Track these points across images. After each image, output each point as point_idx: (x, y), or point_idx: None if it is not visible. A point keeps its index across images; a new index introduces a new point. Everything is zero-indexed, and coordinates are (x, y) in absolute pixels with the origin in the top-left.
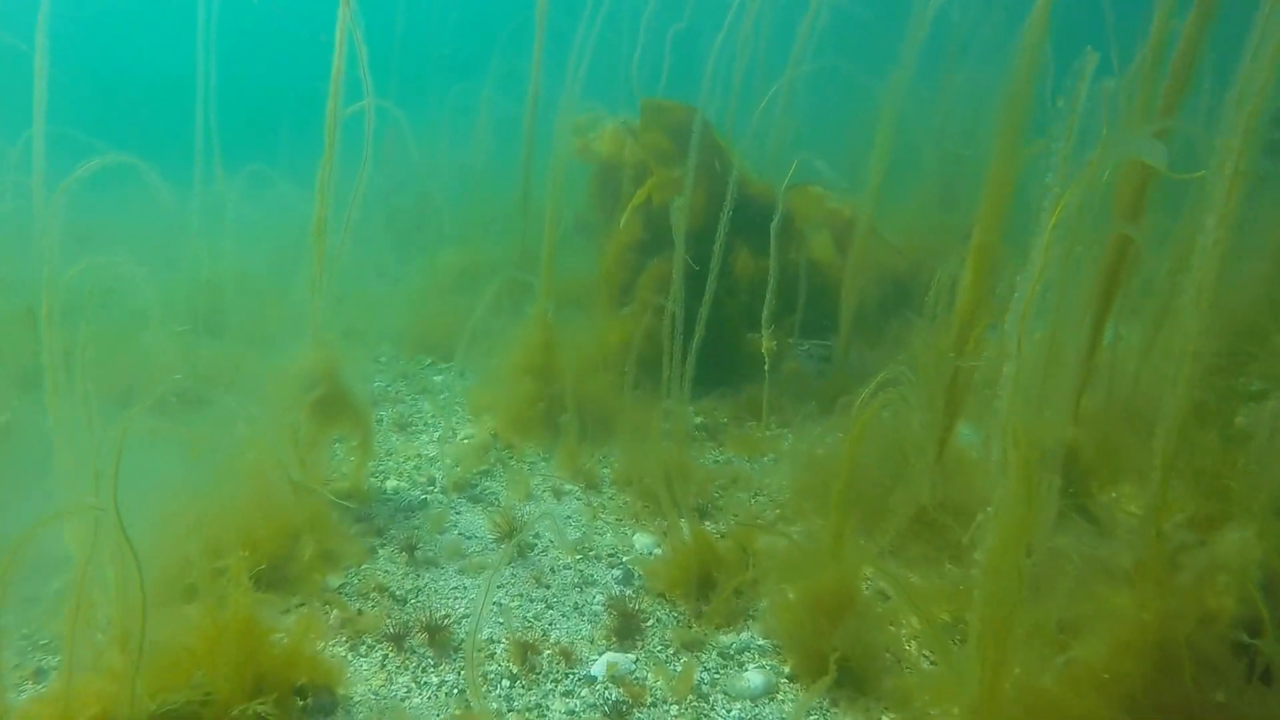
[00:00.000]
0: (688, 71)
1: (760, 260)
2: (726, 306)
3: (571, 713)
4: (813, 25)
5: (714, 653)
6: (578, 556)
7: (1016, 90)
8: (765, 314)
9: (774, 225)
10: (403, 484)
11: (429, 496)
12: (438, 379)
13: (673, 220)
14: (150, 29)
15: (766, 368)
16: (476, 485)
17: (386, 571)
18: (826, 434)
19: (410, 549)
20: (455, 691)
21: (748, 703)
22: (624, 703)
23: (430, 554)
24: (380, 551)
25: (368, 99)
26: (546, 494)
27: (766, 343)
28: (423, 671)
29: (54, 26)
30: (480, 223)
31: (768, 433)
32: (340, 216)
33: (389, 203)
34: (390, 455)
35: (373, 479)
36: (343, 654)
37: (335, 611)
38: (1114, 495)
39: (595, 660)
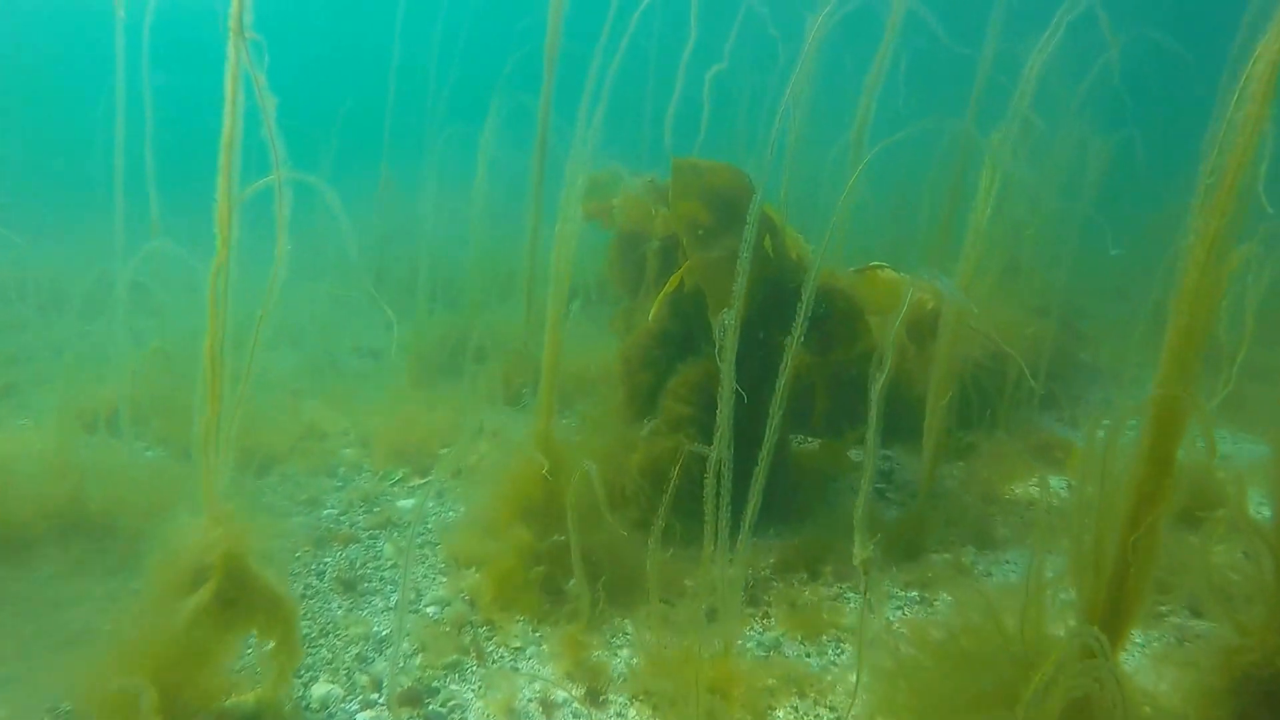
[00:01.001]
0: (726, 121)
1: (816, 357)
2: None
3: None
4: (884, 68)
5: None
6: None
7: (1223, 185)
8: (859, 503)
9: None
10: (336, 688)
11: (372, 715)
12: (407, 504)
13: (716, 337)
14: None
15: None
16: (438, 692)
17: None
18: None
19: None
20: None
21: None
22: None
23: None
24: None
25: (276, 171)
26: (533, 706)
27: (859, 553)
28: None
29: None
30: (477, 284)
31: (825, 592)
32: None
33: (382, 254)
34: (326, 636)
35: (296, 679)
36: None
37: None
38: None
39: None
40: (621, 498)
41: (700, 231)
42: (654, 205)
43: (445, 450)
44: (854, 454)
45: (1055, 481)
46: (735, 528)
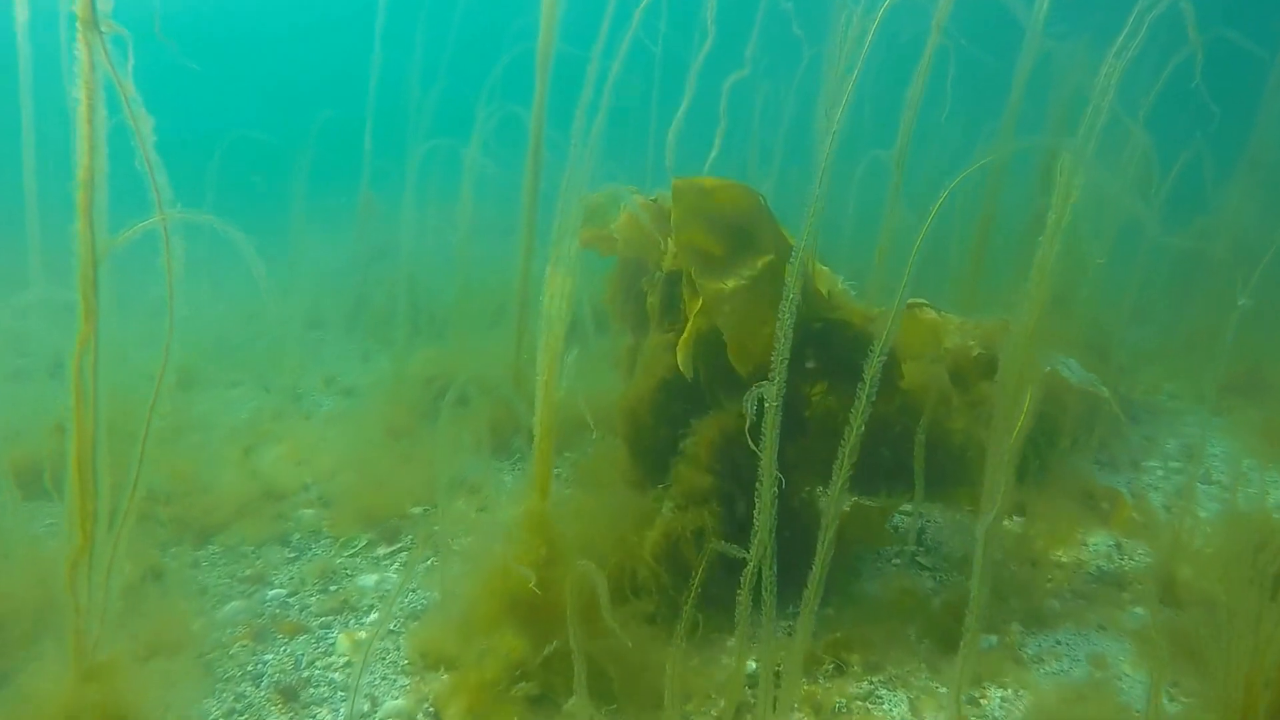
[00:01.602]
0: (742, 134)
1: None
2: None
3: None
4: (930, 76)
5: None
6: None
7: None
8: None
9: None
10: None
11: None
12: (369, 581)
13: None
14: None
15: None
16: None
17: None
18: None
19: None
20: None
21: None
22: None
23: None
24: None
25: (159, 213)
26: None
27: None
28: None
29: None
30: (463, 313)
31: (853, 689)
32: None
33: (365, 277)
34: None
35: None
36: None
37: None
38: None
39: None
40: (632, 585)
41: (709, 263)
42: (657, 232)
43: (419, 509)
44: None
45: (1098, 539)
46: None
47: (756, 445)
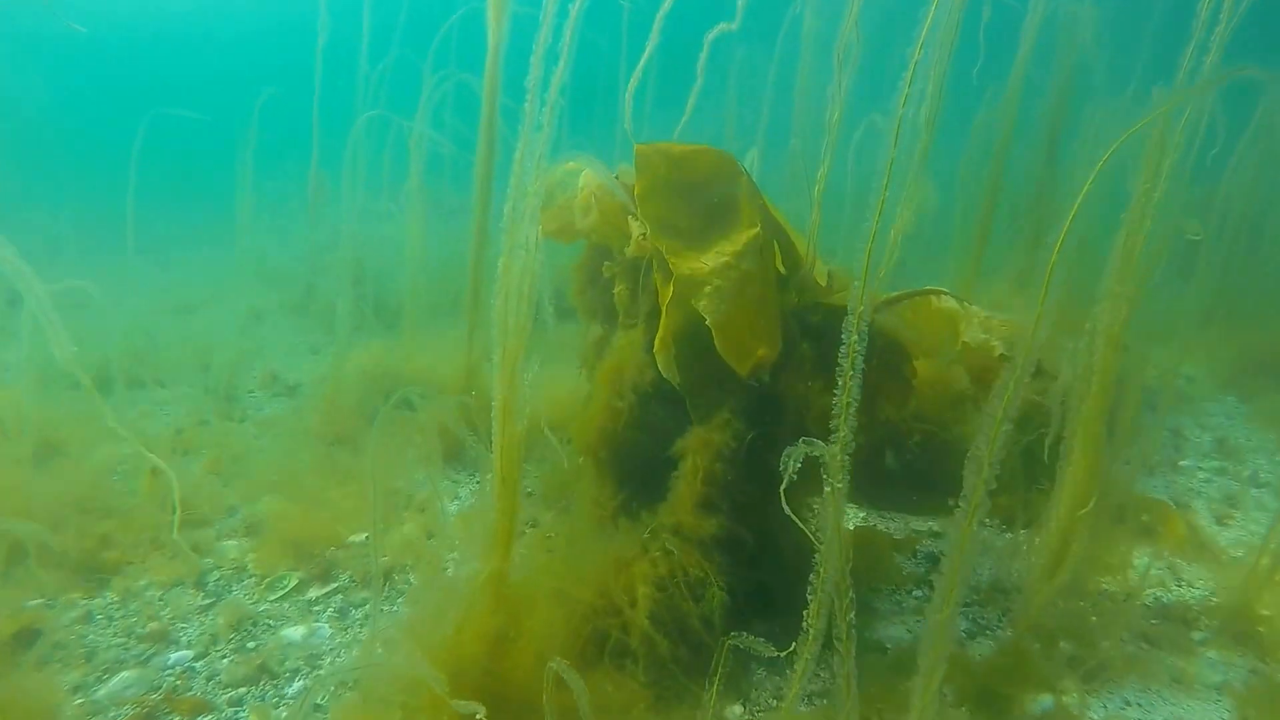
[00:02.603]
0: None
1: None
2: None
3: None
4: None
5: None
6: None
7: None
8: None
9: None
10: None
11: None
12: (296, 635)
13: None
14: None
15: None
16: None
17: None
18: None
19: None
20: None
21: None
22: None
23: None
24: None
25: None
26: None
27: None
28: None
29: None
30: (414, 302)
31: None
32: None
33: (314, 266)
34: None
35: None
36: None
37: None
38: None
39: None
40: (618, 647)
41: (682, 239)
42: (626, 208)
43: (361, 537)
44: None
45: (1146, 561)
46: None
47: (764, 462)
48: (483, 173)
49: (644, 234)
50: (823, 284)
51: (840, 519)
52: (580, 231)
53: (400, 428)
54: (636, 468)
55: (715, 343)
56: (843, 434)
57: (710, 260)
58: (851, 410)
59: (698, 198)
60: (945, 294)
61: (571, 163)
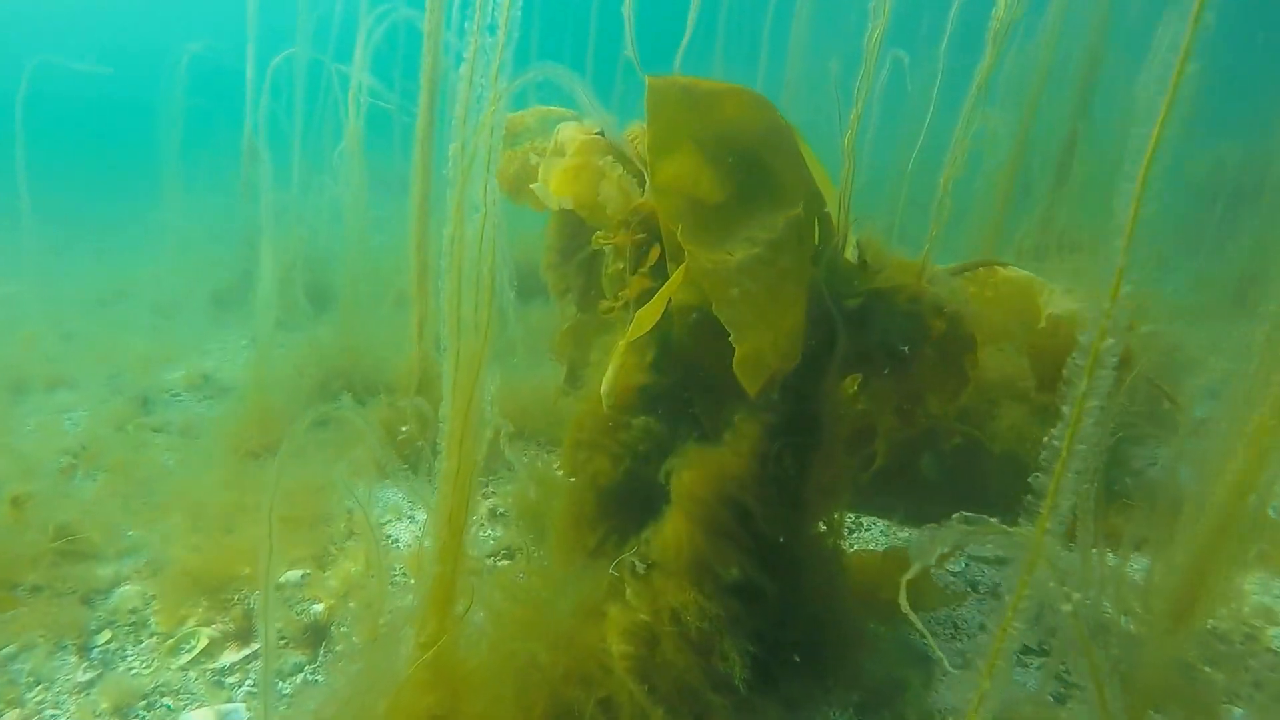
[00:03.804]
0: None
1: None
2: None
3: None
4: None
5: None
6: None
7: None
8: None
9: None
10: None
11: None
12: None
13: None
14: None
15: None
16: None
17: None
18: None
19: None
20: None
21: None
22: None
23: None
24: None
25: None
26: None
27: None
28: None
29: None
30: (354, 288)
31: None
32: None
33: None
34: None
35: None
36: None
37: None
38: None
39: None
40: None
41: (704, 217)
42: (606, 165)
43: (296, 574)
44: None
45: (1253, 589)
46: None
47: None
48: (424, 122)
49: (648, 200)
50: (860, 261)
51: None
52: (553, 185)
53: (343, 435)
54: (608, 497)
55: (737, 356)
56: None
57: (740, 250)
58: None
59: (725, 155)
60: (1010, 265)
61: (536, 109)
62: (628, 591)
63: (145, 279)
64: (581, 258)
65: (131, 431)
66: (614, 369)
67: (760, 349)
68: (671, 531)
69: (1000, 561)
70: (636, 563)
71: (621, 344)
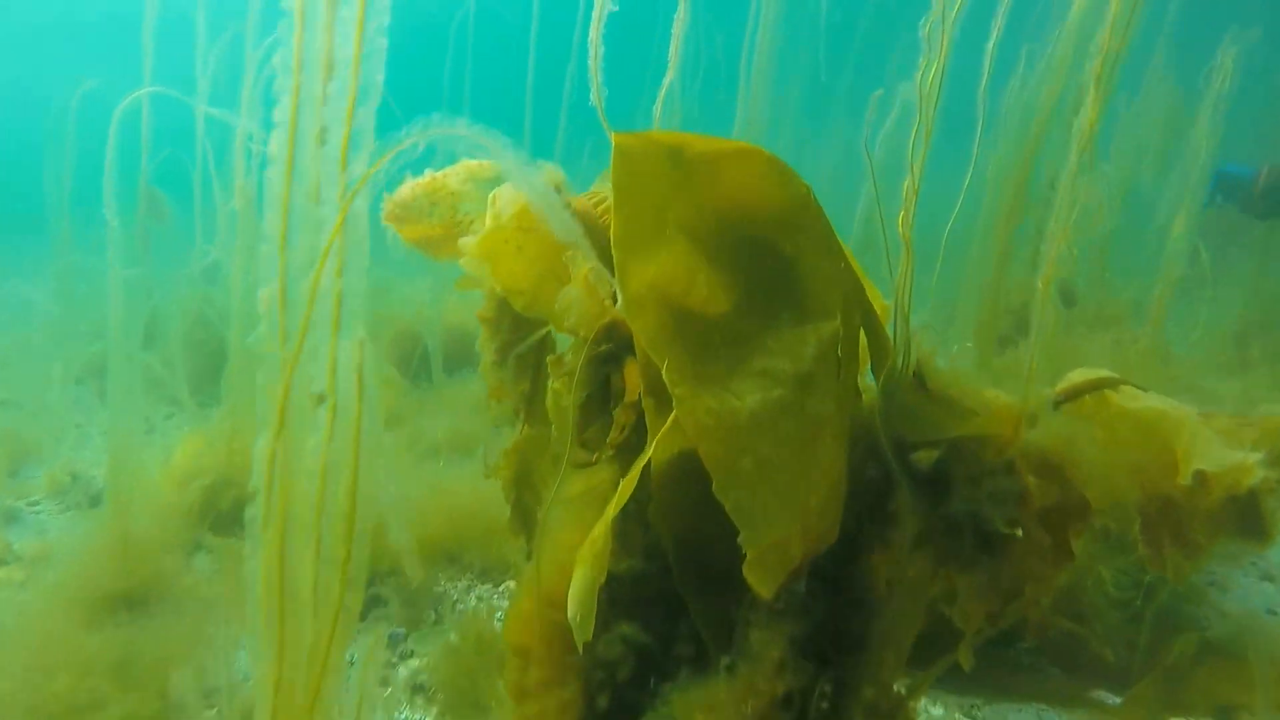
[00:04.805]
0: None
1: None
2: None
3: None
4: None
5: None
6: None
7: None
8: None
9: None
10: None
11: None
12: None
13: None
14: None
15: None
16: None
17: None
18: None
19: None
20: None
21: None
22: None
23: None
24: None
25: None
26: None
27: None
28: None
29: None
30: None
31: None
32: None
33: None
34: None
35: None
36: None
37: None
38: None
39: None
40: None
41: (701, 329)
42: (570, 259)
43: None
44: None
45: None
46: None
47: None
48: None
49: (618, 313)
50: (932, 391)
51: None
52: (491, 269)
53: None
54: (593, 678)
55: (746, 553)
56: None
57: (751, 391)
58: None
59: (729, 247)
60: (1131, 385)
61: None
62: None
63: (29, 347)
64: (523, 352)
65: None
66: (583, 576)
67: (785, 535)
68: None
69: None
70: None
71: (596, 532)
